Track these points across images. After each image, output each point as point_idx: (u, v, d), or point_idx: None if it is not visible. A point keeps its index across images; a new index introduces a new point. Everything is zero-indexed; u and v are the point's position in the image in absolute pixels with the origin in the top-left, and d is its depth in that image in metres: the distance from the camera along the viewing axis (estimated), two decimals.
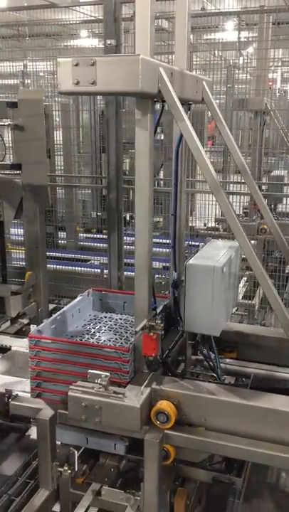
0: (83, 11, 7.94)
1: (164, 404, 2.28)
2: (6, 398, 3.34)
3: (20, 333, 4.71)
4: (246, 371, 2.77)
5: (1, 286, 4.70)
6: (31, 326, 4.85)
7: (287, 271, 6.11)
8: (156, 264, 3.75)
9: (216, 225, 7.06)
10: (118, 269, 4.90)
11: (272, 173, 7.19)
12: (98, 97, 7.37)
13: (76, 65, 2.06)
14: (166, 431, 2.28)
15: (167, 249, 3.94)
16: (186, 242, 6.25)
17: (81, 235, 8.25)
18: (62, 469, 2.46)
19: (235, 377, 2.77)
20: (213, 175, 2.21)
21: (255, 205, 6.74)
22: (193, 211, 7.60)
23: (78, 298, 3.16)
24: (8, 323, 4.71)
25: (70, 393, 2.30)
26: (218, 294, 2.43)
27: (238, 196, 6.48)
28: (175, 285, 2.79)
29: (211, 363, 2.71)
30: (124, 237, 5.05)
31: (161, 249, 5.16)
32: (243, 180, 7.34)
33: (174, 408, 2.28)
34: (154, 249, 4.26)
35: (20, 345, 4.22)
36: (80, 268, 6.63)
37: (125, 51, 5.25)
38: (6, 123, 4.19)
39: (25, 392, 3.34)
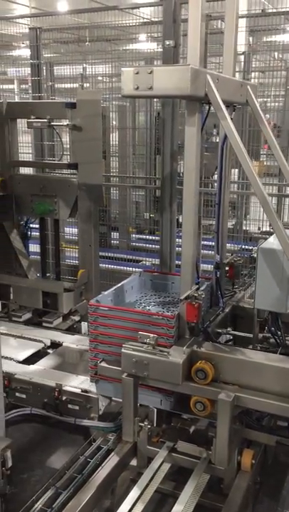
0: (143, 14, 8.55)
1: (202, 363, 2.76)
2: (56, 392, 3.80)
3: (72, 330, 5.17)
4: None
5: (54, 283, 5.14)
6: (82, 323, 5.30)
7: None
8: (207, 267, 3.97)
9: (271, 229, 7.48)
10: (169, 270, 5.00)
11: None
12: (155, 99, 7.86)
13: (137, 73, 2.62)
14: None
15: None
16: (239, 246, 6.67)
17: (133, 235, 8.76)
18: (142, 424, 2.99)
19: None
20: (256, 177, 2.68)
21: None
22: (247, 214, 7.90)
23: (130, 277, 3.71)
24: (60, 319, 5.15)
25: (123, 350, 2.84)
26: (286, 275, 2.88)
27: None
28: (217, 267, 3.26)
29: (277, 340, 3.13)
30: (177, 239, 5.11)
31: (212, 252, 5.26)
32: None
33: (212, 367, 2.76)
34: (205, 251, 4.27)
35: (71, 342, 4.70)
36: (131, 268, 7.13)
37: (183, 52, 5.72)
38: (65, 123, 4.56)
39: (74, 387, 3.80)
